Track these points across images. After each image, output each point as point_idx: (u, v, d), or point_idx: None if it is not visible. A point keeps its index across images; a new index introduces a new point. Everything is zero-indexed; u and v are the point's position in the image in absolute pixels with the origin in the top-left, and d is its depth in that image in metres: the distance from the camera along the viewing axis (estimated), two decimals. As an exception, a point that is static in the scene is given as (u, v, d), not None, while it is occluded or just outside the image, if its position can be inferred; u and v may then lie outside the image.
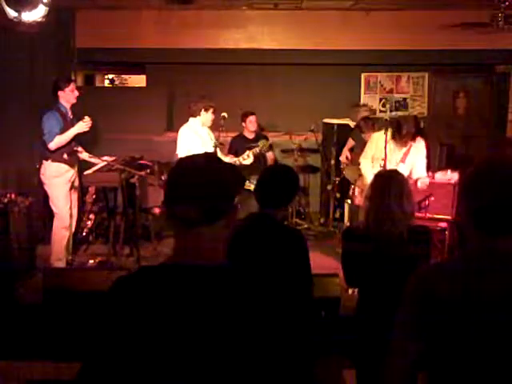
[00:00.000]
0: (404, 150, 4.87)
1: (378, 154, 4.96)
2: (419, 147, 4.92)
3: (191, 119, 5.66)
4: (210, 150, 5.49)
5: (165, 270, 1.43)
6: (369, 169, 5.03)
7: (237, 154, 6.33)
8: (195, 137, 5.61)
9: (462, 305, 1.53)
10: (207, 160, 1.49)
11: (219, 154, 5.79)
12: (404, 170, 4.80)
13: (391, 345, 1.67)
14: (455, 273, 1.58)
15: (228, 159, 5.91)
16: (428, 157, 5.06)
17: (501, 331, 1.51)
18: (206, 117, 5.62)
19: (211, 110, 5.61)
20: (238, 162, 5.90)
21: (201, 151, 5.16)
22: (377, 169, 5.00)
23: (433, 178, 4.85)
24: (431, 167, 4.95)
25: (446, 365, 1.59)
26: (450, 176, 4.80)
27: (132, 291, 1.40)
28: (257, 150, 6.18)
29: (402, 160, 4.84)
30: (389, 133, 4.79)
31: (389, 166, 4.86)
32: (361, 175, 5.29)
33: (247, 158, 6.06)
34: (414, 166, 4.87)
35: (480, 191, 1.58)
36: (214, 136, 5.83)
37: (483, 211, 1.57)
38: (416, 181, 4.80)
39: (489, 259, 1.56)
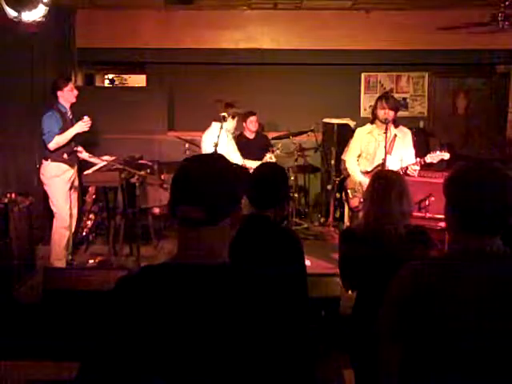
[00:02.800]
0: (389, 140, 4.79)
1: (364, 149, 4.93)
2: (404, 138, 4.87)
3: (214, 124, 5.50)
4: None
5: (167, 269, 1.43)
6: (355, 167, 4.98)
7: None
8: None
9: (440, 303, 1.59)
10: (212, 160, 1.49)
11: (236, 155, 5.79)
12: (393, 161, 4.77)
13: (380, 345, 1.76)
14: (435, 272, 1.65)
15: (241, 160, 5.87)
16: (416, 147, 4.98)
17: (476, 329, 1.56)
18: (232, 124, 5.58)
19: (236, 118, 5.59)
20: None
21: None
22: (364, 166, 4.96)
23: (424, 162, 4.75)
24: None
25: (431, 362, 1.63)
26: (441, 155, 4.72)
27: (135, 291, 1.40)
28: (277, 152, 6.09)
29: (389, 152, 4.79)
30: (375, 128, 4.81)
31: (376, 159, 4.82)
32: (349, 176, 5.23)
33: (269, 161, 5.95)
34: (403, 156, 4.83)
35: (455, 193, 1.68)
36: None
37: (458, 212, 1.66)
38: (406, 168, 4.72)
39: (463, 258, 1.64)
